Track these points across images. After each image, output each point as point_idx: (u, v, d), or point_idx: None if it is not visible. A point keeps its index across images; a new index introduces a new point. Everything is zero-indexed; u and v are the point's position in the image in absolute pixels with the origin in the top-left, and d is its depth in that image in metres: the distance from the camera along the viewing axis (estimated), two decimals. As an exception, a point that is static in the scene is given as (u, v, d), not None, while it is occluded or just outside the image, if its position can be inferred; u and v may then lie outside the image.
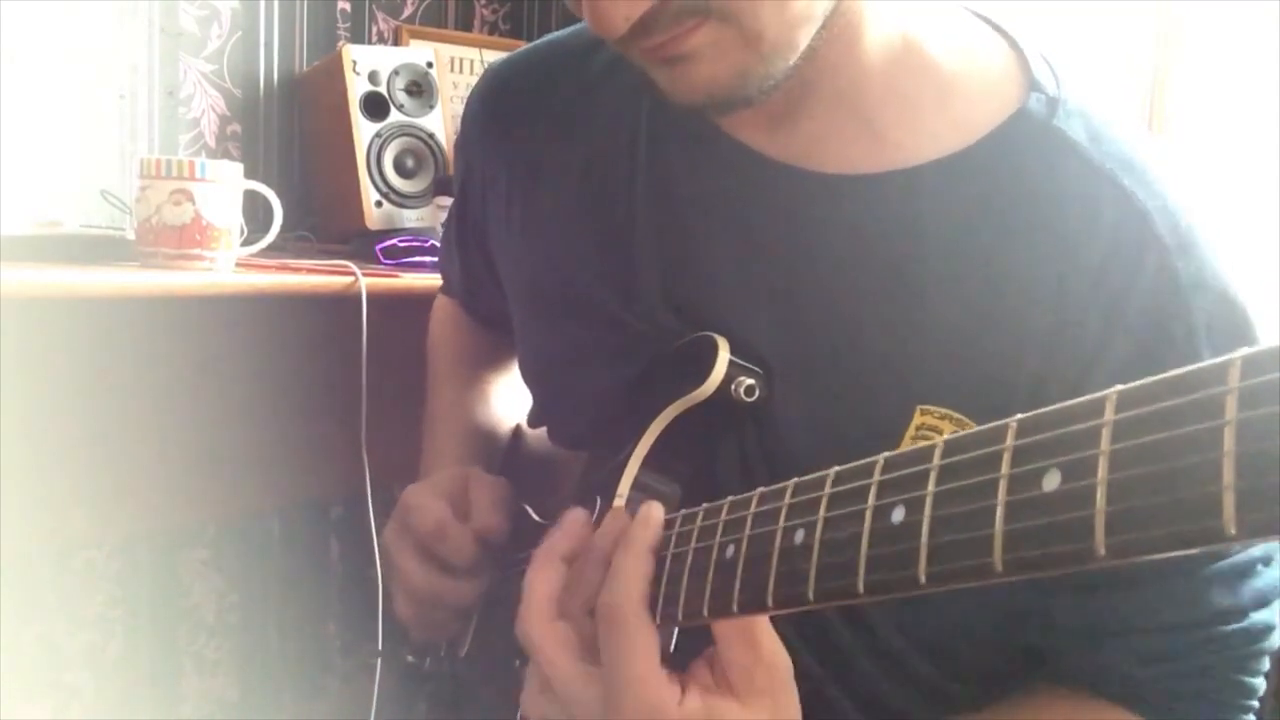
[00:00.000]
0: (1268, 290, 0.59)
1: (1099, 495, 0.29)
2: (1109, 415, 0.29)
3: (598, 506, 0.61)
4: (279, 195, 1.16)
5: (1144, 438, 0.28)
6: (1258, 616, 0.56)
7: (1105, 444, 0.29)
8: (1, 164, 1.25)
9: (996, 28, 0.62)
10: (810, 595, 0.38)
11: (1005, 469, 0.32)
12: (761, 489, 0.45)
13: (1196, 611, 0.55)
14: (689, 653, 0.51)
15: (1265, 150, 1.28)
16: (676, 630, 0.53)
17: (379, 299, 1.15)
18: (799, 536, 0.39)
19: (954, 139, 0.57)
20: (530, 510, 0.71)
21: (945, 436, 0.36)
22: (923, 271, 0.56)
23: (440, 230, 1.44)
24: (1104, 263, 0.54)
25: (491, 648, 0.69)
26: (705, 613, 0.45)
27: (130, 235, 1.13)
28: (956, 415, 0.55)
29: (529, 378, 0.76)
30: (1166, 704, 0.57)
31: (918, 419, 0.55)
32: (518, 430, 0.86)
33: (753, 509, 0.44)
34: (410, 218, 1.50)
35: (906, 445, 0.54)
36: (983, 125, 0.57)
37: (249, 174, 1.13)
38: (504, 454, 0.85)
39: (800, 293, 0.59)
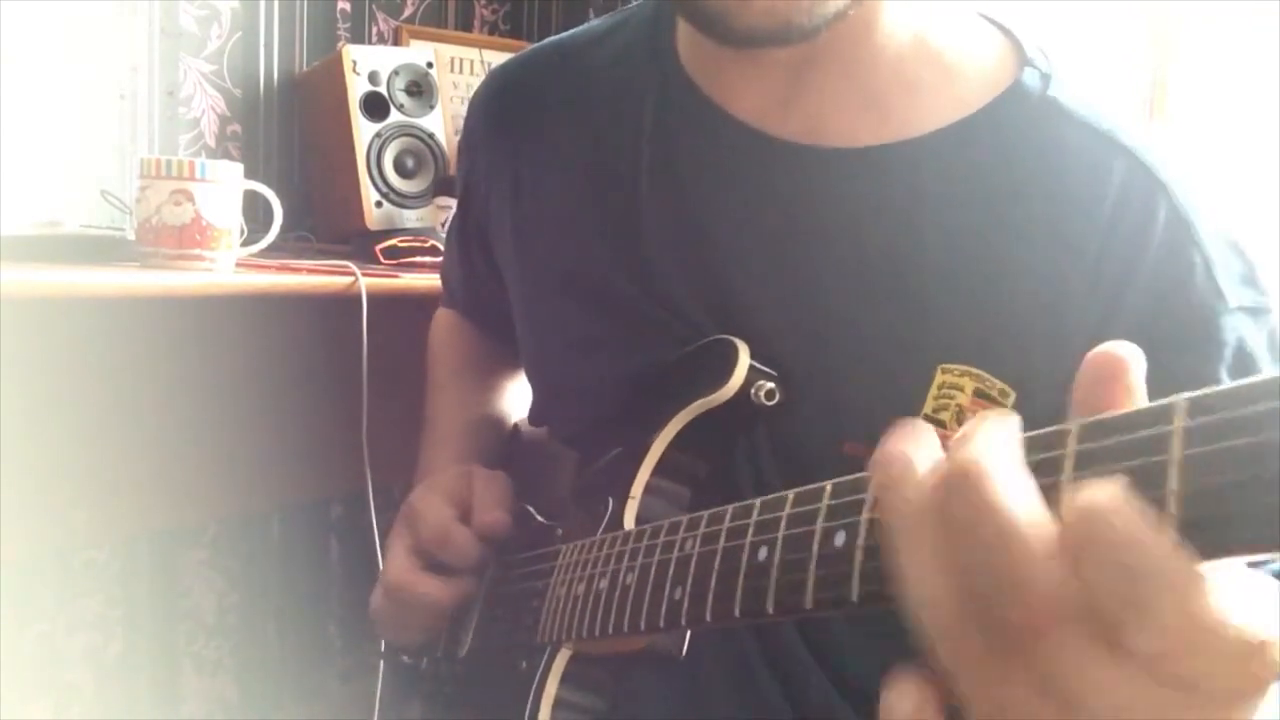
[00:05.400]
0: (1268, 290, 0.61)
1: (1172, 505, 0.28)
2: (1179, 422, 0.28)
3: (609, 508, 0.61)
4: (279, 195, 1.16)
5: (1218, 444, 0.27)
6: None
7: (1177, 452, 0.28)
8: (1, 164, 1.25)
9: (995, 23, 0.64)
10: (854, 598, 0.37)
11: (1069, 473, 0.30)
12: (797, 489, 0.43)
13: None
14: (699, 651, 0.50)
15: (1265, 150, 1.28)
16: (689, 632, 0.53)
17: (379, 299, 1.15)
18: (840, 539, 0.39)
19: (954, 112, 0.60)
20: (533, 511, 0.71)
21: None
22: (930, 235, 0.58)
23: (440, 230, 1.45)
24: (1114, 214, 0.56)
25: (494, 648, 0.69)
26: (737, 614, 0.43)
27: (130, 235, 1.13)
28: (976, 371, 0.56)
29: (533, 371, 0.76)
30: None
31: (939, 378, 0.56)
32: (515, 430, 0.86)
33: (788, 509, 0.42)
34: (410, 218, 1.50)
35: (930, 405, 0.56)
36: (981, 99, 0.60)
37: (249, 174, 1.13)
38: (501, 454, 0.85)
39: (811, 266, 0.60)
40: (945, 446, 0.32)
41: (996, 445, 0.30)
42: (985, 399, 0.56)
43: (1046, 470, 0.30)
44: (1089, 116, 0.59)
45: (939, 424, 0.56)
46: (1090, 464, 0.30)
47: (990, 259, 0.57)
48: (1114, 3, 1.42)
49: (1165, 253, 0.56)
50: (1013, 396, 0.56)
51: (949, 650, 0.31)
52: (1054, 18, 1.39)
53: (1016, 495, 0.29)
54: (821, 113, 0.61)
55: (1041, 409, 0.34)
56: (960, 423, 0.56)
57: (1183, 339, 0.55)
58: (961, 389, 0.56)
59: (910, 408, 0.56)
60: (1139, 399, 0.31)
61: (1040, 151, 0.58)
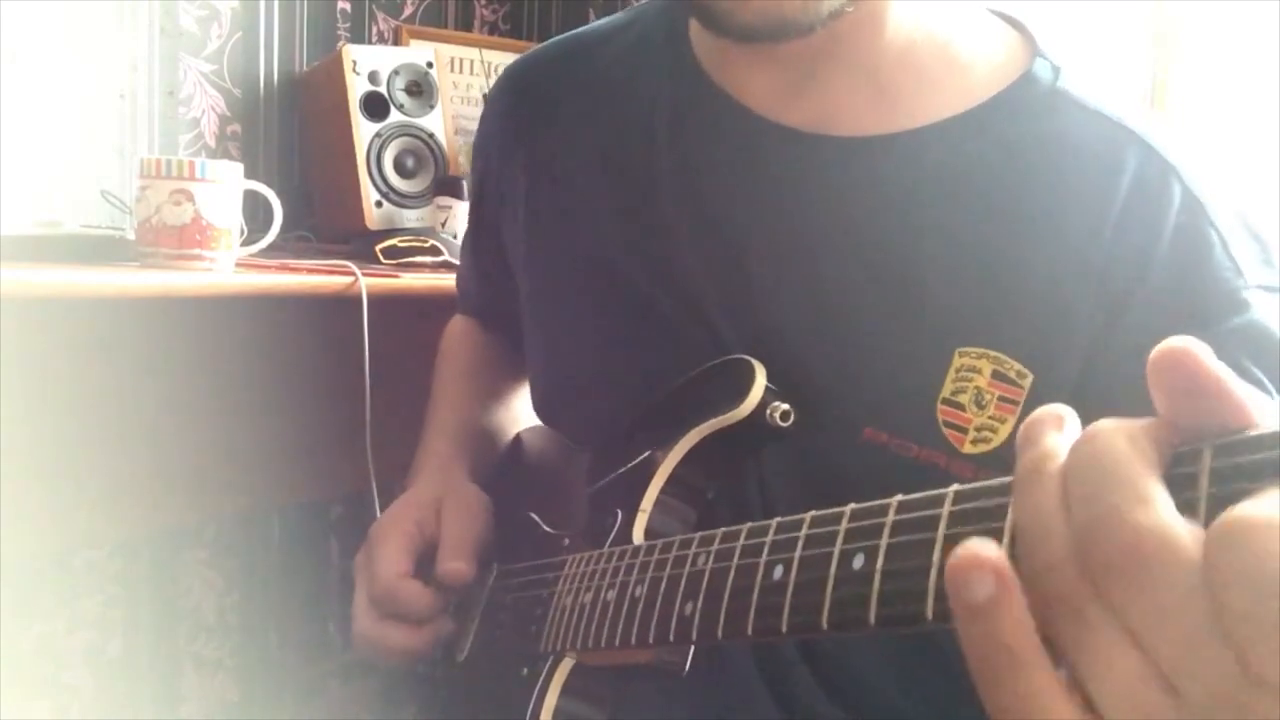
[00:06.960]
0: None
1: None
2: None
3: (618, 520, 0.61)
4: (279, 195, 1.16)
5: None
6: None
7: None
8: (1, 164, 1.25)
9: (1006, 18, 0.65)
10: (871, 621, 0.37)
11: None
12: (814, 511, 0.42)
13: None
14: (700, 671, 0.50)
15: (1266, 150, 1.28)
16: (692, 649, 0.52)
17: (379, 299, 1.15)
18: (859, 561, 0.38)
19: (962, 102, 0.60)
20: (538, 520, 0.70)
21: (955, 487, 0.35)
22: (939, 221, 0.58)
23: (441, 230, 1.45)
24: (1129, 199, 0.57)
25: (495, 654, 0.68)
26: (750, 632, 0.43)
27: (130, 235, 1.13)
28: (993, 353, 0.57)
29: (543, 366, 0.76)
30: None
31: (957, 361, 0.57)
32: (518, 439, 0.85)
33: (806, 530, 0.42)
34: (410, 218, 1.50)
35: (948, 389, 0.57)
36: (990, 89, 0.61)
37: (249, 174, 1.13)
38: (502, 461, 0.84)
39: (824, 253, 0.61)
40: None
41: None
42: (1004, 381, 0.56)
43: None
44: (1099, 106, 0.60)
45: (958, 407, 0.57)
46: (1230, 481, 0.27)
47: (999, 244, 0.57)
48: (1115, 2, 1.42)
49: (1182, 234, 0.56)
50: (1030, 378, 0.56)
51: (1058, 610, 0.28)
52: (1055, 17, 1.39)
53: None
54: (831, 102, 0.62)
55: (1059, 390, 0.33)
56: (979, 405, 0.56)
57: (1203, 316, 0.55)
58: (980, 371, 0.57)
59: (929, 392, 0.57)
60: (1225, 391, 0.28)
61: (1050, 139, 0.59)
